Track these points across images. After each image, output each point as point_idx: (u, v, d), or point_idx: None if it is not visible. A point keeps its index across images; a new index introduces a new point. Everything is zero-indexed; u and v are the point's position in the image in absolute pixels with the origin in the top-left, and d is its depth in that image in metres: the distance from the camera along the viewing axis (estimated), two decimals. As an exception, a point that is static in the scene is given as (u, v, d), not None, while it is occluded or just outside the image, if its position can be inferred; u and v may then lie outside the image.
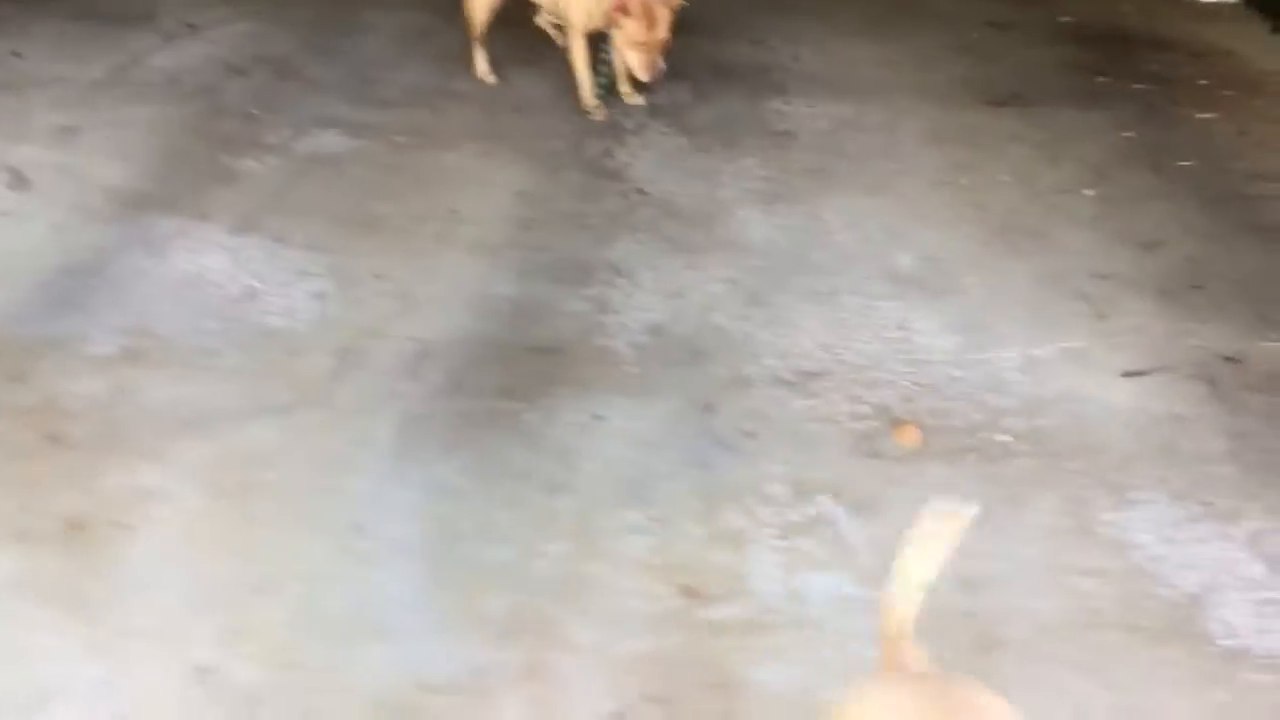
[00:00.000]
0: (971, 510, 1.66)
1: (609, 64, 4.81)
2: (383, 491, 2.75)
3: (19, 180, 4.18)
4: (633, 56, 4.47)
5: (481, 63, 5.01)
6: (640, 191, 4.20)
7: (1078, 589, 2.58)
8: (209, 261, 3.67)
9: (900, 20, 6.07)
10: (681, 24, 5.86)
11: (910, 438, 2.99)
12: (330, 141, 4.56)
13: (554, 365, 3.24)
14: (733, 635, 2.47)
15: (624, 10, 4.43)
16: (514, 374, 3.20)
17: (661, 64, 4.45)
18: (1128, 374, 3.26)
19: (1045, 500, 2.81)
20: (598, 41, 4.75)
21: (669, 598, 2.54)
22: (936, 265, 3.78)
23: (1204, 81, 5.25)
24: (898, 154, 4.55)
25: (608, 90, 4.80)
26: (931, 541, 1.66)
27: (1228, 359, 3.32)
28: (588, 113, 4.72)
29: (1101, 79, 5.31)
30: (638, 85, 4.73)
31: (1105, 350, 3.37)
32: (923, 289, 3.65)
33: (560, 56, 4.84)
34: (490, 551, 2.61)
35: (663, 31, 4.41)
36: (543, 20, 5.25)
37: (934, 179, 4.35)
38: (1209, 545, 2.69)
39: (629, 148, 4.57)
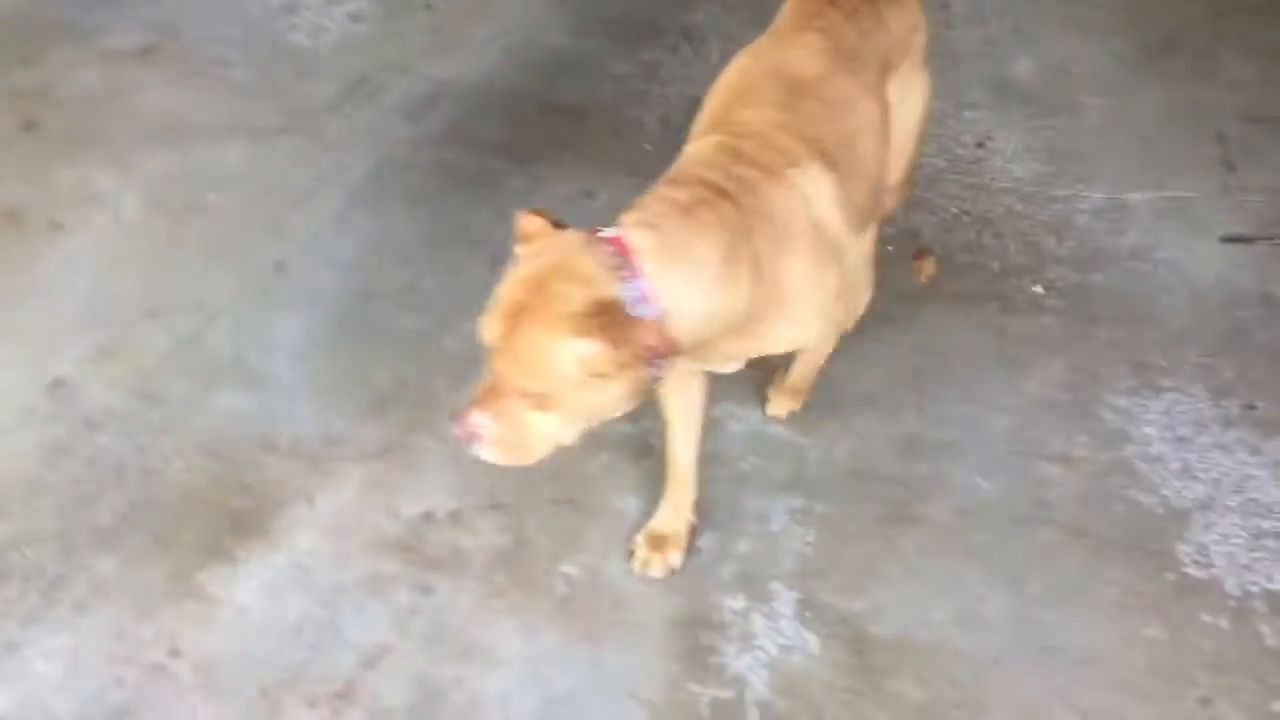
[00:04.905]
0: None
1: None
2: (322, 234, 2.59)
3: None
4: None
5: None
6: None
7: (1033, 474, 2.18)
8: (264, -34, 3.50)
9: None
10: None
11: (926, 271, 2.58)
12: None
13: (567, 128, 2.95)
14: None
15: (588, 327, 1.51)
16: (519, 131, 2.93)
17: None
18: (1227, 238, 2.70)
19: (1049, 368, 2.37)
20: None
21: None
22: (1058, 78, 3.21)
23: None
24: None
25: None
26: None
27: (1364, 239, 2.70)
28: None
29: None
30: None
31: (1216, 208, 2.79)
32: (1027, 103, 3.11)
33: None
34: (403, 319, 2.42)
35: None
36: None
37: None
38: (1229, 455, 2.21)
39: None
